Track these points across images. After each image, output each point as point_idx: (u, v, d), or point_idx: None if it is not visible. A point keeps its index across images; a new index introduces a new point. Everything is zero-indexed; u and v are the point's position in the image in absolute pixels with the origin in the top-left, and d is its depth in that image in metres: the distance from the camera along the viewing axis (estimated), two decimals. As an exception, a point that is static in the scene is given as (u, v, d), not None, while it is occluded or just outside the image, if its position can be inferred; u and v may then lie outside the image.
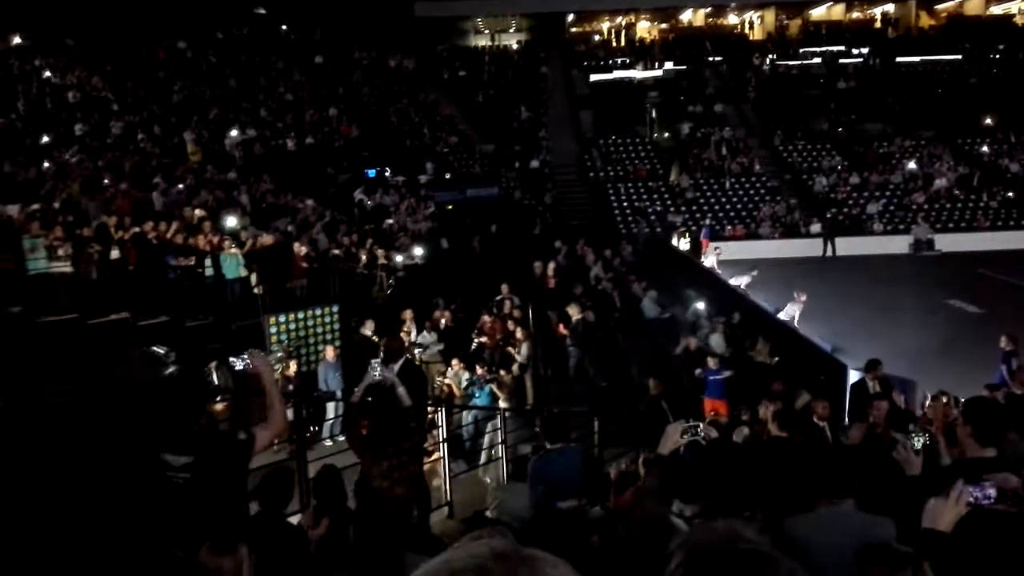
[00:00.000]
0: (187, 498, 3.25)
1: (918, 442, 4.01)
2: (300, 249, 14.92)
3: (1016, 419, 4.56)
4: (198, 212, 15.57)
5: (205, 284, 13.28)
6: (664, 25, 44.97)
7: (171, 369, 8.32)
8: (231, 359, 4.45)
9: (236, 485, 3.50)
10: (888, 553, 2.41)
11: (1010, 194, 29.42)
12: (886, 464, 4.38)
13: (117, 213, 14.32)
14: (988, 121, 32.86)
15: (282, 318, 12.35)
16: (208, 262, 13.42)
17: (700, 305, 16.43)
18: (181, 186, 17.73)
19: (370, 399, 8.89)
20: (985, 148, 31.86)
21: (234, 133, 23.28)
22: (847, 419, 9.77)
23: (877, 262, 24.84)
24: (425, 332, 13.70)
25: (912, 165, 30.72)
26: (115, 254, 12.63)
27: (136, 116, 23.89)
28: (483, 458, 11.08)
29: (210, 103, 26.10)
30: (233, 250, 13.67)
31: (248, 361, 4.13)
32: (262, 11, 36.32)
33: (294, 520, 5.86)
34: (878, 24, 43.46)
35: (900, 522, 3.31)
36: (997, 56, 37.69)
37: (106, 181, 17.08)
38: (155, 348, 10.38)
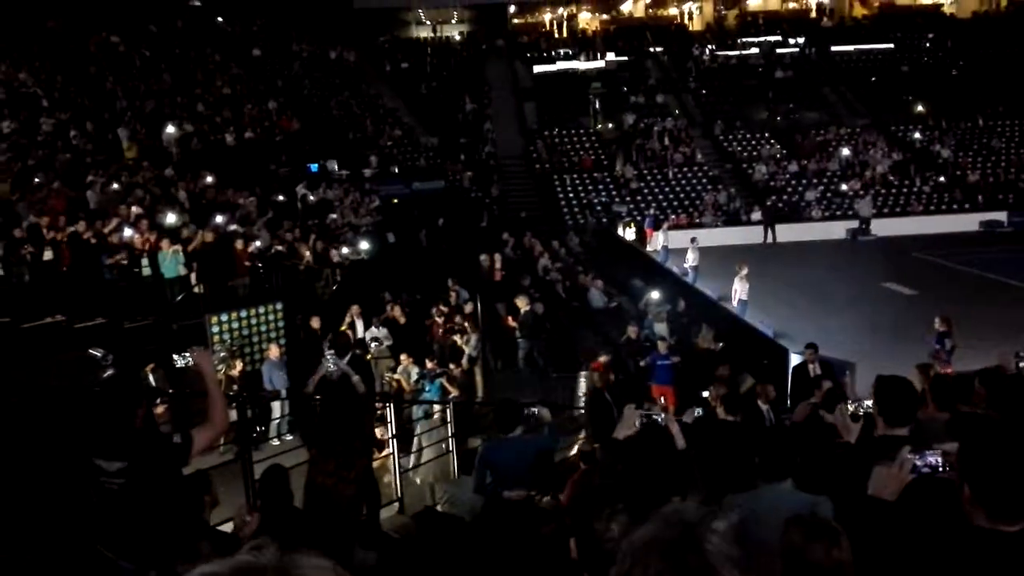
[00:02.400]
0: (120, 503, 3.16)
1: (858, 409, 4.09)
2: (242, 246, 14.63)
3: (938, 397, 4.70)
4: (135, 209, 15.16)
5: (143, 284, 12.95)
6: (605, 16, 45.26)
7: (109, 372, 8.09)
8: (174, 356, 4.37)
9: (171, 489, 3.42)
10: (807, 523, 2.47)
11: (941, 179, 30.40)
12: (827, 443, 4.50)
13: (49, 213, 13.87)
14: (920, 108, 33.85)
15: (224, 317, 12.09)
16: (145, 261, 13.08)
17: (655, 294, 16.61)
18: (116, 184, 17.24)
19: (318, 396, 8.79)
20: (917, 135, 32.83)
21: (171, 129, 22.71)
22: (789, 401, 10.01)
23: (816, 247, 25.45)
24: (374, 327, 13.58)
25: (847, 152, 31.51)
26: (48, 255, 12.24)
27: (67, 112, 23.13)
28: (412, 460, 10.87)
29: (145, 98, 25.41)
30: (173, 248, 13.35)
31: (190, 359, 4.05)
32: (197, 3, 35.44)
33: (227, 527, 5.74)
34: (813, 14, 44.39)
35: (840, 500, 3.40)
36: (928, 44, 38.83)
37: (37, 180, 16.52)
38: (93, 351, 10.12)
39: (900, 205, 29.46)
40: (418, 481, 10.15)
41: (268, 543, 1.16)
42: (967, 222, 28.11)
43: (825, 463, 4.06)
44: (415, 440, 11.08)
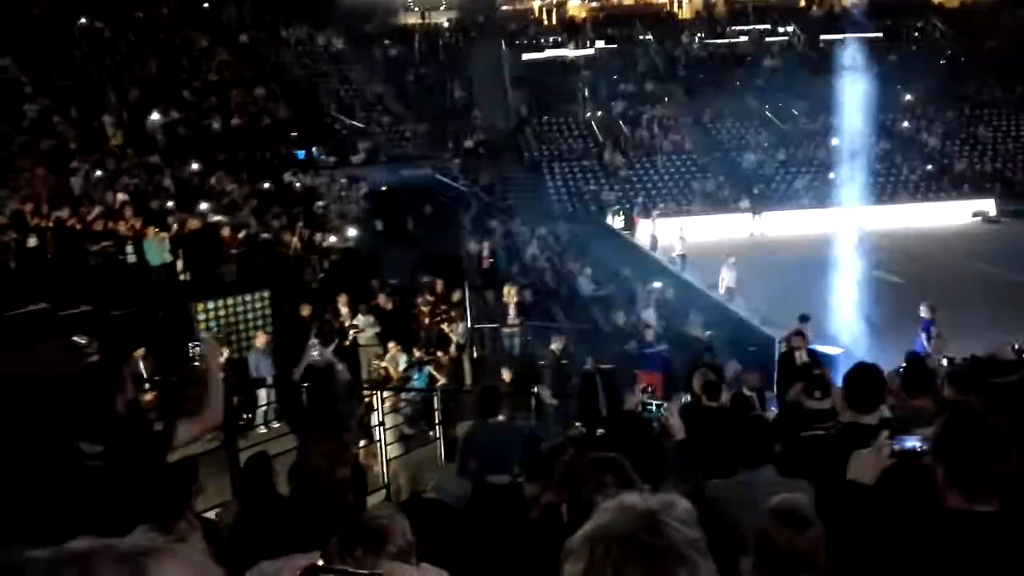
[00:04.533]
0: (99, 486, 3.16)
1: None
2: (228, 233, 14.55)
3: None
4: (120, 196, 15.06)
5: (128, 271, 12.86)
6: (595, 3, 45.07)
7: (93, 359, 8.06)
8: (191, 344, 4.41)
9: (149, 475, 3.41)
10: (776, 509, 2.49)
11: (929, 167, 30.53)
12: (808, 429, 4.53)
13: (34, 199, 13.75)
14: (908, 97, 33.93)
15: (211, 305, 12.05)
16: (130, 248, 12.99)
17: (657, 284, 16.69)
18: (100, 172, 17.11)
19: (307, 383, 8.78)
20: (906, 123, 32.93)
21: (156, 116, 22.53)
22: (775, 389, 10.06)
23: (805, 235, 25.50)
24: (361, 315, 13.55)
25: (836, 141, 31.56)
26: (32, 242, 12.14)
27: (51, 99, 22.91)
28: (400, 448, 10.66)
29: (130, 84, 25.18)
30: (160, 235, 13.27)
31: (200, 348, 4.08)
32: (183, -12, 35.07)
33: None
34: (803, 3, 44.35)
35: (820, 484, 3.43)
36: (916, 33, 38.88)
37: (21, 166, 16.37)
38: (77, 338, 10.06)
39: (887, 193, 29.56)
40: (405, 468, 10.16)
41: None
42: (955, 210, 28.25)
43: (805, 449, 4.09)
44: (403, 427, 11.09)
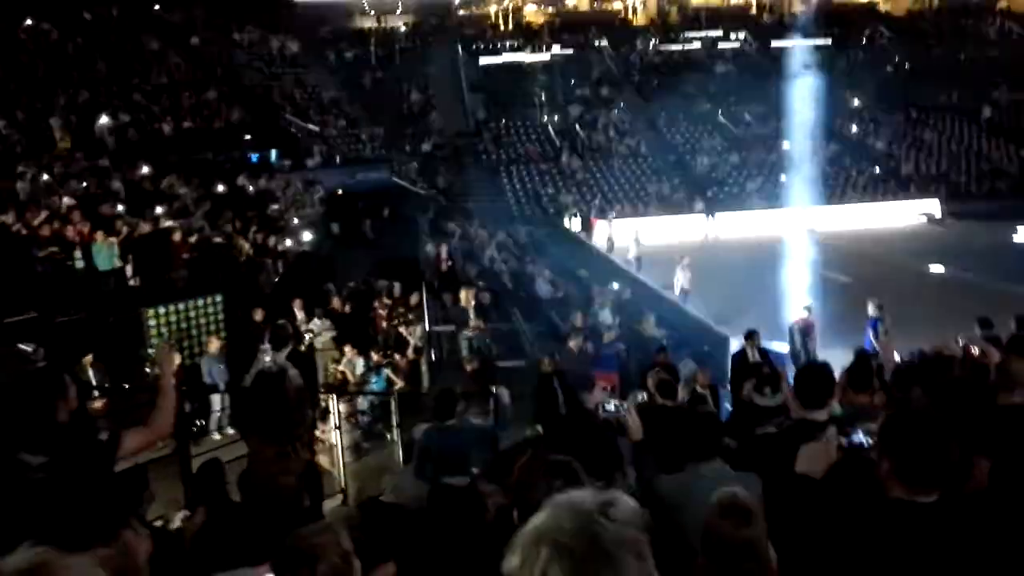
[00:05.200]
0: (42, 497, 3.08)
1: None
2: (180, 237, 14.30)
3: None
4: (67, 200, 14.71)
5: (77, 277, 12.56)
6: (551, 9, 45.33)
7: (39, 366, 7.85)
8: (142, 350, 4.29)
9: (93, 485, 3.33)
10: (720, 501, 2.54)
11: (876, 170, 31.29)
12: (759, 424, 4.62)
13: (-24, 204, 13.36)
14: (856, 102, 34.73)
15: (162, 310, 11.82)
16: (79, 253, 12.69)
17: (614, 285, 16.81)
18: (47, 176, 16.70)
19: (257, 389, 8.61)
20: (854, 127, 33.70)
21: (104, 119, 22.06)
22: (729, 387, 10.21)
23: (758, 237, 25.92)
24: (317, 319, 13.42)
25: (787, 144, 32.16)
26: (-25, 248, 11.80)
27: (-5, 101, 22.31)
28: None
29: (78, 87, 24.62)
30: (109, 240, 12.98)
31: (155, 355, 3.99)
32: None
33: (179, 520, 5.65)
34: (754, 10, 45.15)
35: (768, 478, 3.50)
36: (864, 40, 39.81)
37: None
38: (23, 346, 9.79)
39: (837, 195, 30.18)
40: (362, 472, 10.08)
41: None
42: (901, 212, 28.97)
43: (757, 445, 4.17)
44: (360, 431, 11.01)
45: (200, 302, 12.24)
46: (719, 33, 39.84)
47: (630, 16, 45.62)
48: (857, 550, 2.47)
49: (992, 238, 24.33)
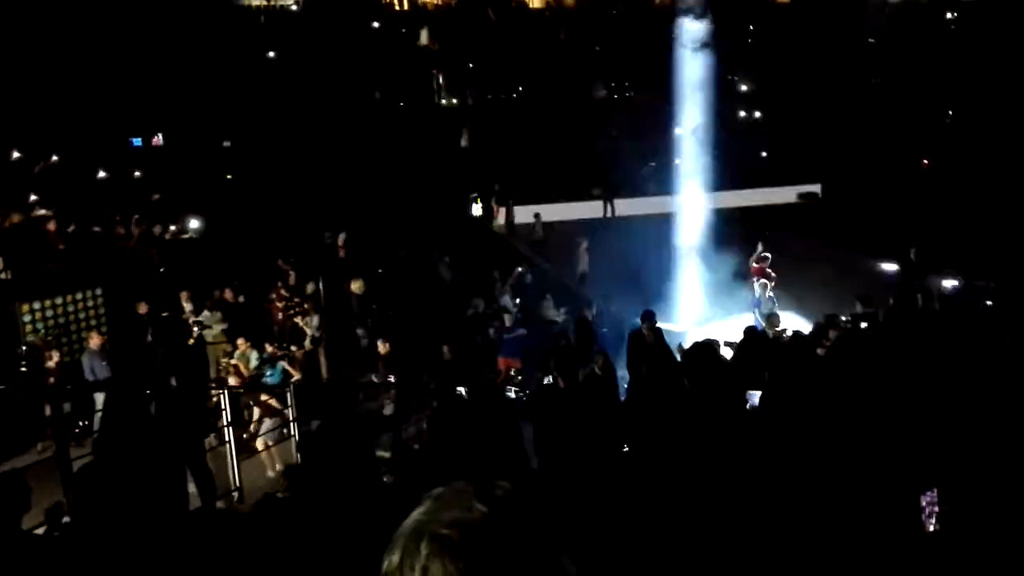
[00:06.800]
0: None
1: None
2: (54, 227, 13.46)
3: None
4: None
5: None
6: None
7: None
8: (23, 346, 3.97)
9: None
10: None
11: (764, 154, 32.53)
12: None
13: None
14: (744, 88, 35.98)
15: (37, 305, 11.13)
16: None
17: (519, 269, 16.88)
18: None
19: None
20: (742, 113, 34.92)
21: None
22: (626, 368, 10.41)
23: (652, 220, 26.48)
24: (206, 311, 12.90)
25: (679, 130, 33.00)
26: None
27: None
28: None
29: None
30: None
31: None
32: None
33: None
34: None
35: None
36: (751, 27, 41.18)
37: None
38: None
39: (727, 179, 31.13)
40: (258, 467, 9.81)
41: None
42: (783, 194, 30.37)
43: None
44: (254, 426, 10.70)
45: (78, 296, 11.61)
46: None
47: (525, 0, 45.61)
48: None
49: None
